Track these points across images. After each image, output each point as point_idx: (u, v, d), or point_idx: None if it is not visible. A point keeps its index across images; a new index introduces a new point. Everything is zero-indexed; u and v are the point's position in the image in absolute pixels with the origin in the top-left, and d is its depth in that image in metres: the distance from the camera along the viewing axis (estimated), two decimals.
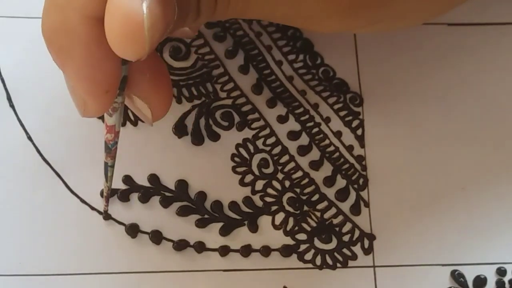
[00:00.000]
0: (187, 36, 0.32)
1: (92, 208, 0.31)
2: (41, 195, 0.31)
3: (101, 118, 0.32)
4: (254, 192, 0.32)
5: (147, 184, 0.32)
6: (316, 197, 0.33)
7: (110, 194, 0.30)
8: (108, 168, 0.27)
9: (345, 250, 0.32)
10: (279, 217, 0.32)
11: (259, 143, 0.33)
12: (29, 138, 0.31)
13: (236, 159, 0.33)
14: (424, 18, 0.32)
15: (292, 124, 0.34)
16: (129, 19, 0.19)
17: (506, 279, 0.32)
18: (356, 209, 0.33)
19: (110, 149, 0.26)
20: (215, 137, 0.33)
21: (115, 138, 0.25)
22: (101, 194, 0.31)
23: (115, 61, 0.22)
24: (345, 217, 0.32)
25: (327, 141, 0.34)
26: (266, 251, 0.31)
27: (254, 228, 0.32)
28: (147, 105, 0.24)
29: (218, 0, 0.24)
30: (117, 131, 0.25)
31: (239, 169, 0.32)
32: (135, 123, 0.32)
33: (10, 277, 0.29)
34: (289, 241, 0.32)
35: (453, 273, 0.32)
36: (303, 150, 0.33)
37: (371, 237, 0.32)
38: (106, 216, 0.30)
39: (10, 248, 0.30)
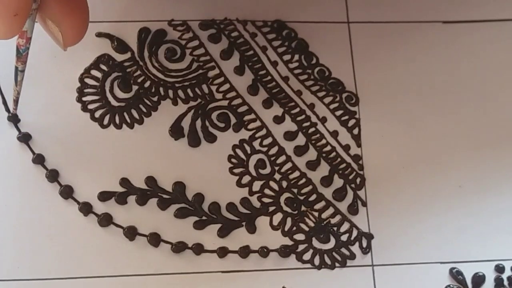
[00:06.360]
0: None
1: (90, 211, 0.31)
2: (38, 199, 0.31)
3: (93, 118, 0.32)
4: (251, 193, 0.32)
5: (144, 186, 0.31)
6: (313, 197, 0.33)
7: (18, 98, 0.30)
8: (18, 73, 0.28)
9: (343, 250, 0.32)
10: (277, 218, 0.32)
11: (256, 144, 0.33)
12: (26, 142, 0.31)
13: (233, 160, 0.33)
14: None
15: (289, 125, 0.34)
16: None
17: (504, 276, 0.32)
18: (353, 209, 0.33)
19: (21, 54, 0.27)
20: (211, 138, 0.33)
21: (26, 44, 0.26)
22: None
23: None
24: (342, 216, 0.32)
25: (323, 141, 0.34)
26: (264, 252, 0.31)
27: (252, 229, 0.32)
28: (58, 28, 0.25)
29: None
30: (29, 37, 0.26)
31: (236, 170, 0.32)
32: (131, 126, 0.32)
33: (8, 282, 0.29)
34: (287, 241, 0.32)
35: (451, 271, 0.32)
36: (300, 150, 0.33)
37: (369, 236, 0.32)
38: (13, 118, 0.31)
39: (8, 253, 0.30)
